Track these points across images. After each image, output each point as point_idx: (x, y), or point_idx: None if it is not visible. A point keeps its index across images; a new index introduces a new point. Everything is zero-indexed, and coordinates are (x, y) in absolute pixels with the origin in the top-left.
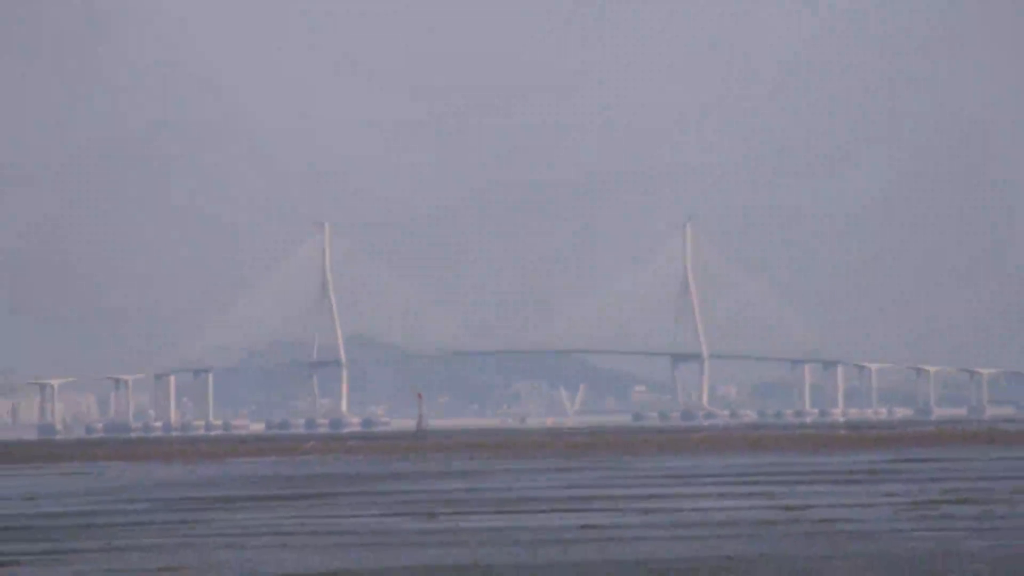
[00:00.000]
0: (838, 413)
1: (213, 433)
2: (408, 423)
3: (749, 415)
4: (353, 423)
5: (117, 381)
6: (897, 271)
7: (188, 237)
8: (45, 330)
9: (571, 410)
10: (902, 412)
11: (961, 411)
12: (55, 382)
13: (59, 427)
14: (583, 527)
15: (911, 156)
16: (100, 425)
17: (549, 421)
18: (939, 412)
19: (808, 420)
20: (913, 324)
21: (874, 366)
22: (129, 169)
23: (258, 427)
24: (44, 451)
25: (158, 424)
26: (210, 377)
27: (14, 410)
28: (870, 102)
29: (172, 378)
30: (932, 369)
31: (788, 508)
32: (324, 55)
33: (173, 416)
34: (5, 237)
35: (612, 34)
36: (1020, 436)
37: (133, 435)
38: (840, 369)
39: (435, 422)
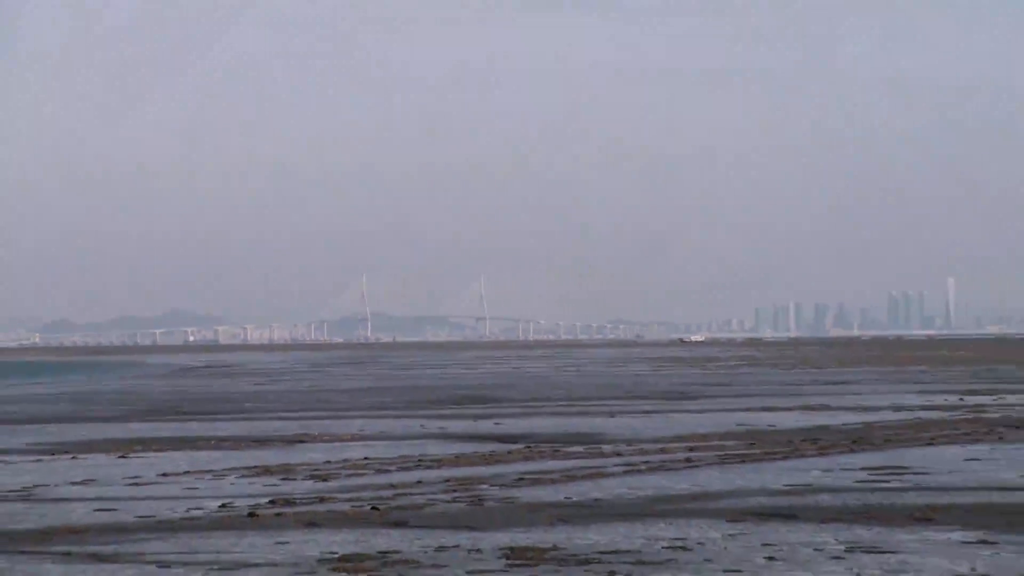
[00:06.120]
0: (573, 340)
1: (328, 343)
2: (390, 339)
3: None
4: (374, 339)
5: (295, 324)
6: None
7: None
8: (266, 291)
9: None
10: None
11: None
12: (276, 325)
13: (276, 340)
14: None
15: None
16: (290, 340)
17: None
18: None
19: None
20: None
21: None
22: None
23: (341, 341)
24: (265, 351)
25: (309, 342)
26: (325, 324)
27: (260, 335)
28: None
29: (312, 324)
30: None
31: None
32: None
33: (314, 338)
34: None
35: None
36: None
37: (304, 344)
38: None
39: (402, 340)
